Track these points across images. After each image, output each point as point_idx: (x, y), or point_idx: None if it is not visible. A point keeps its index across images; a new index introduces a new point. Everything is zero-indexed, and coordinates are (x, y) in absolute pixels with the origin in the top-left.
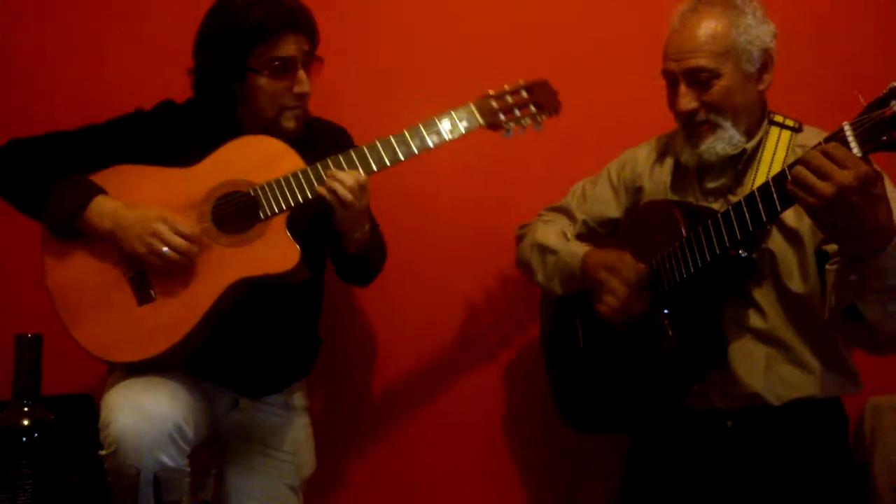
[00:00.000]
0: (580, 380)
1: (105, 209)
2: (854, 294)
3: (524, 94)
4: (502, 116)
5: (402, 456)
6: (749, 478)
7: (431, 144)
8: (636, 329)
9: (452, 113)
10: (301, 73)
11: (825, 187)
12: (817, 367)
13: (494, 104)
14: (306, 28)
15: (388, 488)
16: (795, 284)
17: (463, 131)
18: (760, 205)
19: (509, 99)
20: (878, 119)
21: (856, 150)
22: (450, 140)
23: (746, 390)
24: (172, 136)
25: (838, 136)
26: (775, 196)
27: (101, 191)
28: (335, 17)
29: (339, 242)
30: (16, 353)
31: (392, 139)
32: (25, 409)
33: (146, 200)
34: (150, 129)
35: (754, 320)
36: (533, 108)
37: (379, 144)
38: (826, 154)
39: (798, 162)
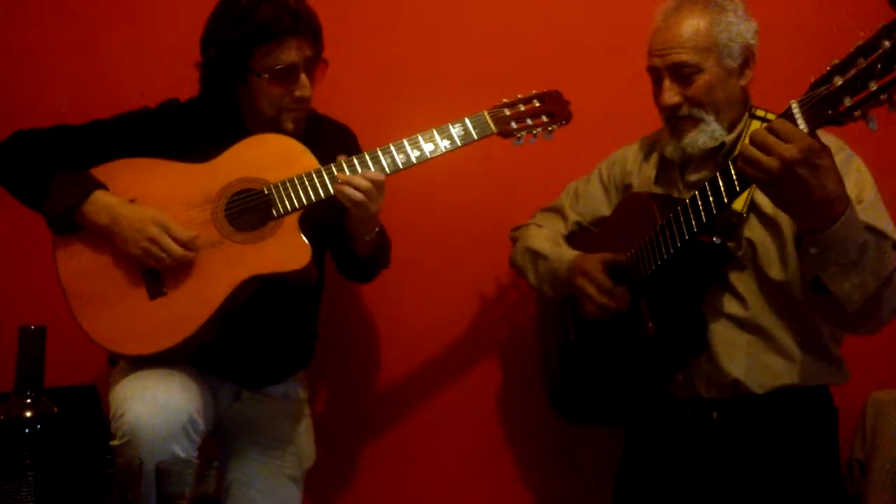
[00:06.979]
0: (572, 372)
1: (102, 204)
2: (818, 267)
3: (536, 103)
4: (514, 125)
5: (401, 447)
6: (737, 469)
7: (444, 149)
8: (620, 319)
9: (466, 120)
10: (303, 78)
11: (770, 161)
12: (799, 354)
13: (507, 112)
14: (310, 32)
15: (387, 479)
16: (775, 272)
17: (475, 137)
18: (722, 186)
19: (522, 108)
20: (823, 95)
21: (803, 125)
22: (461, 146)
23: (728, 377)
24: (177, 134)
25: (786, 114)
26: (734, 177)
27: (100, 185)
28: (342, 14)
29: (349, 244)
30: (19, 344)
31: (405, 143)
32: (28, 400)
33: (160, 195)
34: (155, 126)
35: (735, 308)
36: (545, 118)
37: (392, 147)
38: (771, 130)
39: (749, 139)
